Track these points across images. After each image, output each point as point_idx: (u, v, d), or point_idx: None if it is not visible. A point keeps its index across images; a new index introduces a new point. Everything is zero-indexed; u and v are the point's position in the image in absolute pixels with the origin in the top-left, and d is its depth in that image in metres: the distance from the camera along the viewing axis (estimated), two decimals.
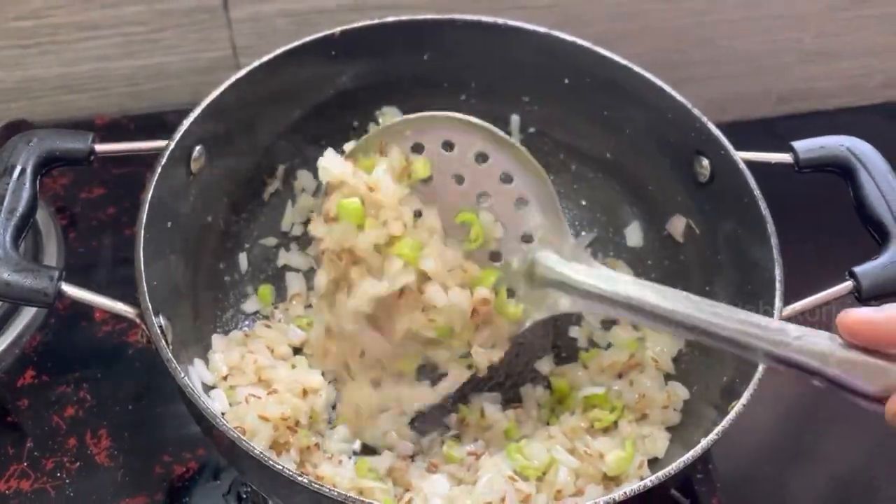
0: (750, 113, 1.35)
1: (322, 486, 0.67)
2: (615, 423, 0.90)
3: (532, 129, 1.04)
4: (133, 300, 0.76)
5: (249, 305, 0.99)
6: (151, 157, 0.84)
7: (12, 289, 0.73)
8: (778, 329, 0.69)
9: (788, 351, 0.67)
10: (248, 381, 0.89)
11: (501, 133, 0.83)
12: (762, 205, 0.85)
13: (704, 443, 0.72)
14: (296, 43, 0.92)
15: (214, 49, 1.17)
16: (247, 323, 0.98)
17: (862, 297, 0.79)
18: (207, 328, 0.93)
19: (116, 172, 1.12)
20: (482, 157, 0.83)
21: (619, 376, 0.94)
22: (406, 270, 0.81)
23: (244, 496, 0.91)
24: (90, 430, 0.94)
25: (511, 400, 0.95)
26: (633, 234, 1.03)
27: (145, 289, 0.76)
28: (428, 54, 0.98)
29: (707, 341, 0.73)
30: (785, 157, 0.88)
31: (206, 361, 0.90)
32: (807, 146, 0.88)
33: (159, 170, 0.82)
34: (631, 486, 0.70)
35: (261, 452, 0.69)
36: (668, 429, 0.89)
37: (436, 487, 0.83)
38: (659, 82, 0.92)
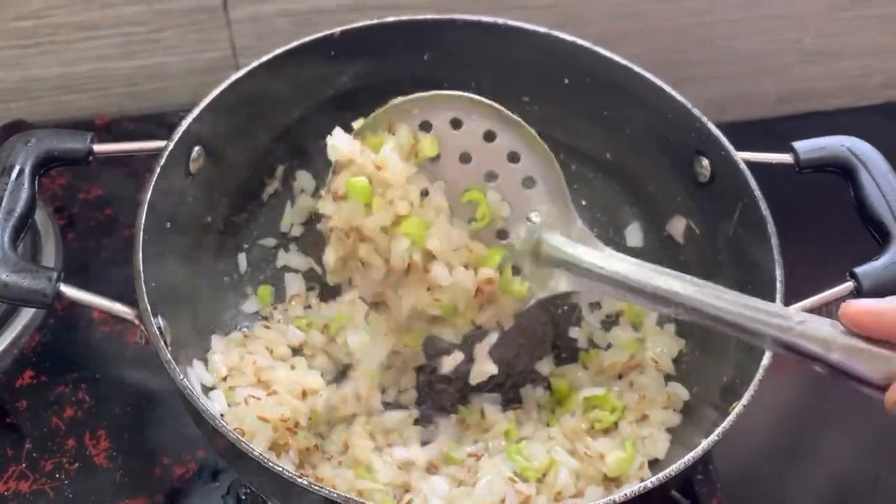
0: (750, 113, 1.35)
1: (322, 487, 0.67)
2: (615, 424, 0.89)
3: (532, 130, 1.03)
4: (132, 301, 0.75)
5: (248, 306, 0.99)
6: (150, 158, 0.83)
7: (11, 290, 0.73)
8: (781, 314, 0.70)
9: (791, 336, 0.67)
10: (247, 382, 0.89)
11: (509, 113, 0.82)
12: (762, 205, 0.84)
13: (705, 444, 0.72)
14: (295, 43, 0.92)
15: (214, 49, 1.17)
16: (246, 324, 0.98)
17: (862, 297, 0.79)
18: (206, 329, 0.93)
19: (115, 173, 1.12)
20: (490, 136, 0.82)
21: (620, 377, 0.94)
22: (412, 249, 0.80)
23: (243, 497, 0.91)
24: (89, 431, 0.94)
25: (511, 401, 0.95)
26: (633, 235, 1.03)
27: (144, 289, 0.76)
28: (428, 54, 0.98)
29: (710, 324, 0.73)
30: (785, 158, 0.88)
31: (205, 362, 0.90)
32: (807, 146, 0.88)
33: (158, 170, 0.82)
34: (631, 488, 0.70)
35: (260, 454, 0.69)
36: (669, 430, 0.89)
37: (435, 489, 0.83)
38: (659, 82, 0.92)
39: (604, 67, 0.94)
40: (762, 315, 0.70)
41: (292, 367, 0.92)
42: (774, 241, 0.83)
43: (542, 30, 0.95)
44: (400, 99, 0.81)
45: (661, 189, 0.99)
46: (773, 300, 0.80)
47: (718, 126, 0.90)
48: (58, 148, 0.81)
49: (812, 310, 0.79)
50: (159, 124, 1.14)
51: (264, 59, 0.91)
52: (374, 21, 0.94)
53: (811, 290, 0.80)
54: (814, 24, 1.28)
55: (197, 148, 0.88)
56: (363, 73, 0.98)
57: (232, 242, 0.99)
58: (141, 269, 0.77)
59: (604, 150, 1.02)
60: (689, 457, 0.71)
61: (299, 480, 0.67)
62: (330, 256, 0.84)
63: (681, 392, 0.91)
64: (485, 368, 0.88)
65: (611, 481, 0.85)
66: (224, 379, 0.89)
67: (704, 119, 0.90)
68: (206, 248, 0.95)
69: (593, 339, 1.00)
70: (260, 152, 0.98)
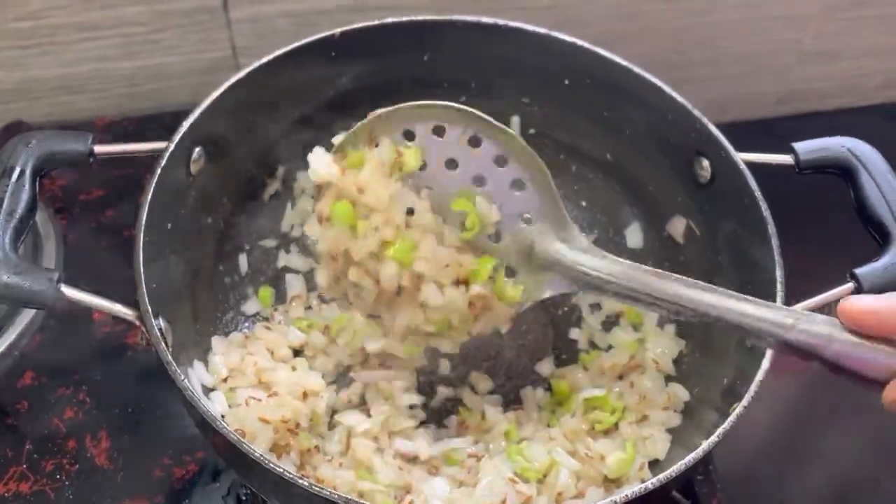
0: (749, 113, 1.35)
1: (322, 488, 0.67)
2: (616, 425, 0.90)
3: (532, 130, 1.03)
4: (132, 302, 0.75)
5: (249, 307, 0.99)
6: (151, 159, 0.83)
7: (12, 291, 0.73)
8: (781, 312, 0.70)
9: (791, 333, 0.68)
10: (248, 383, 0.89)
11: (492, 121, 0.80)
12: (763, 206, 0.84)
13: (706, 445, 0.72)
14: (296, 44, 0.92)
15: (214, 50, 1.17)
16: (247, 325, 0.98)
17: None
18: (207, 330, 0.93)
19: (116, 174, 1.12)
20: (475, 141, 0.81)
21: (620, 378, 0.94)
22: (401, 273, 0.80)
23: (244, 498, 0.91)
24: (90, 432, 0.94)
25: (511, 402, 0.95)
26: (634, 235, 1.03)
27: (145, 291, 0.76)
28: (428, 55, 0.98)
29: (708, 321, 0.73)
30: (786, 159, 0.88)
31: (206, 363, 0.90)
32: (807, 147, 0.88)
33: (159, 171, 0.82)
34: (632, 488, 0.70)
35: (261, 455, 0.69)
36: (669, 430, 0.89)
37: (436, 490, 0.83)
38: (659, 83, 0.92)
39: (604, 68, 0.94)
40: (762, 313, 0.70)
41: (293, 369, 0.92)
42: (775, 242, 0.83)
43: (542, 31, 0.95)
44: (380, 111, 0.80)
45: (661, 189, 0.99)
46: (773, 301, 0.80)
47: (718, 126, 0.90)
48: (58, 149, 0.81)
49: (812, 310, 0.79)
50: (159, 125, 1.14)
51: (265, 59, 0.91)
52: (375, 22, 0.94)
53: (811, 290, 0.80)
54: (813, 25, 1.28)
55: (197, 149, 0.88)
56: (363, 74, 0.98)
57: (232, 243, 0.99)
58: (142, 270, 0.77)
59: (604, 151, 1.02)
60: (690, 458, 0.71)
61: (300, 482, 0.67)
62: (322, 277, 0.84)
63: (681, 393, 0.91)
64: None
65: (611, 482, 0.85)
66: (225, 380, 0.89)
67: (705, 120, 0.90)
68: (207, 249, 0.95)
69: (594, 340, 1.00)
70: (260, 153, 0.98)
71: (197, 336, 0.91)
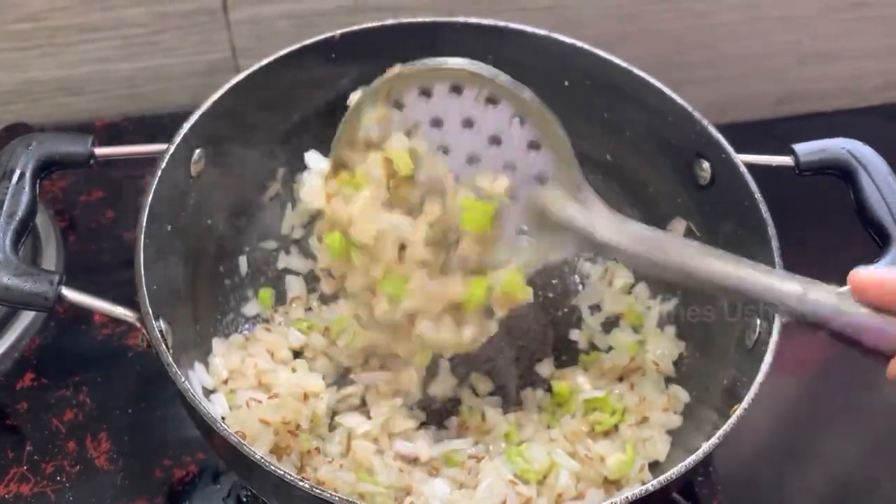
0: (749, 114, 1.35)
1: (323, 490, 0.67)
2: (616, 427, 0.90)
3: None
4: (133, 304, 0.75)
5: (250, 309, 0.99)
6: (151, 160, 0.83)
7: (12, 293, 0.73)
8: (788, 280, 0.70)
9: (797, 303, 0.68)
10: (248, 384, 0.89)
11: (510, 83, 0.80)
12: (763, 207, 0.84)
13: (706, 447, 0.72)
14: (296, 45, 0.92)
15: (214, 51, 1.17)
16: (247, 326, 0.98)
17: None
18: (207, 332, 0.93)
19: (116, 175, 1.12)
20: (492, 100, 0.81)
21: (620, 379, 0.94)
22: (393, 308, 0.81)
23: (244, 500, 0.91)
24: (90, 433, 0.94)
25: (511, 403, 0.95)
26: None
27: (145, 292, 0.76)
28: (428, 56, 0.98)
29: (714, 289, 0.74)
30: (786, 160, 0.88)
31: (207, 365, 0.90)
32: (807, 149, 0.88)
33: (159, 173, 0.82)
34: (632, 490, 0.70)
35: (261, 457, 0.69)
36: (669, 432, 0.89)
37: (436, 491, 0.83)
38: (659, 84, 0.92)
39: (603, 69, 0.94)
40: (776, 282, 0.71)
41: (293, 370, 0.92)
42: (775, 244, 0.83)
43: (541, 32, 0.95)
44: (398, 69, 0.80)
45: (661, 191, 0.99)
46: None
47: (718, 127, 0.90)
48: (59, 151, 0.81)
49: None
50: (159, 127, 1.14)
51: (264, 61, 0.91)
52: (375, 23, 0.94)
53: None
54: (812, 26, 1.28)
55: (198, 150, 0.88)
56: (364, 76, 0.97)
57: (233, 245, 0.99)
58: (142, 272, 0.77)
59: (604, 152, 1.02)
60: (690, 459, 0.71)
61: (301, 484, 0.67)
62: (326, 289, 0.86)
63: (681, 394, 0.91)
64: (446, 384, 0.92)
65: (611, 483, 0.86)
66: (225, 382, 0.89)
67: (705, 122, 0.90)
68: (207, 250, 0.95)
69: (594, 341, 1.00)
70: (261, 154, 0.98)
71: (197, 338, 0.91)
